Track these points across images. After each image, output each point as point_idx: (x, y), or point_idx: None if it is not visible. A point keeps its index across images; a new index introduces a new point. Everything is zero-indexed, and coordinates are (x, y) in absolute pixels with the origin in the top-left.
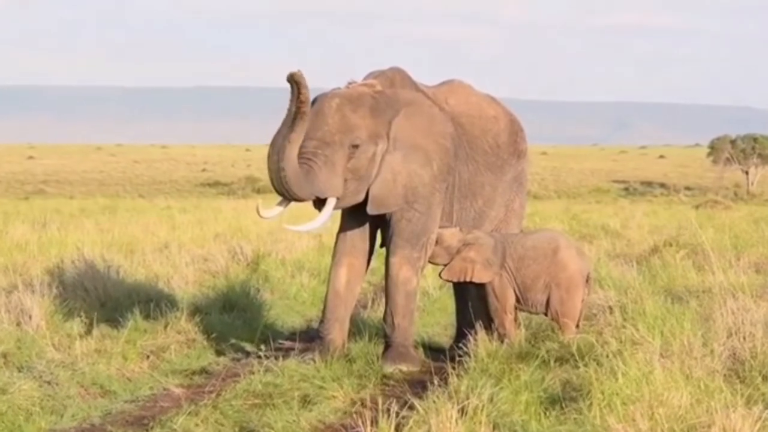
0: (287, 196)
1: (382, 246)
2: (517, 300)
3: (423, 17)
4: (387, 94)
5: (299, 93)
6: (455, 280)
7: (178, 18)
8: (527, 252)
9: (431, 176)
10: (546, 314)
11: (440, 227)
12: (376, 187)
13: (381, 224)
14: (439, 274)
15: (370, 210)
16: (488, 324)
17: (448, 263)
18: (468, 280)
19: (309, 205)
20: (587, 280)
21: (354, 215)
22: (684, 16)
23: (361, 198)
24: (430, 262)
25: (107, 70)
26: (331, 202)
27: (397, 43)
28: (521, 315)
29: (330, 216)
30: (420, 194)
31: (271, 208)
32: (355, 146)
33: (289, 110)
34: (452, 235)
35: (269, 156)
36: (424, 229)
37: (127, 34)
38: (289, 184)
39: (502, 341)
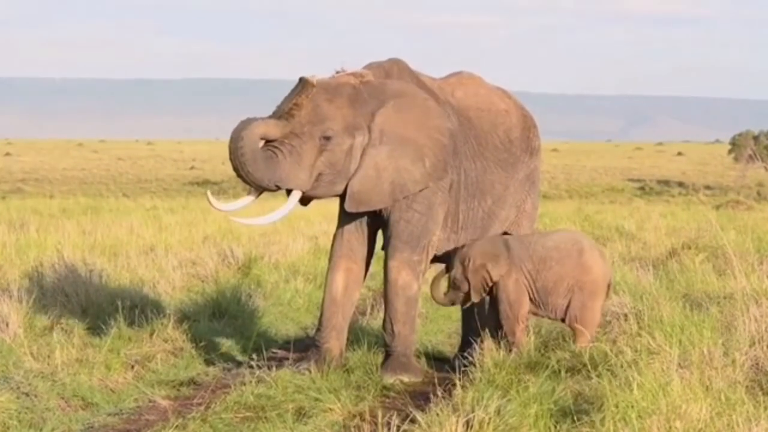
0: (246, 178)
1: (382, 249)
2: (536, 305)
3: (426, 5)
4: (373, 85)
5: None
6: (483, 293)
7: (165, 3)
8: (549, 253)
9: (423, 173)
10: (564, 320)
11: (452, 249)
12: (356, 183)
13: (380, 225)
14: (467, 303)
15: (349, 207)
16: (495, 332)
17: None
18: (491, 282)
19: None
20: (608, 286)
21: (351, 216)
22: (705, 3)
23: (338, 190)
24: (467, 300)
25: (89, 61)
26: (294, 196)
27: (401, 33)
28: (531, 321)
29: (289, 211)
30: (410, 192)
31: (231, 200)
32: (327, 138)
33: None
34: (455, 268)
35: (231, 133)
36: (424, 230)
37: (111, 22)
38: (246, 164)
39: (509, 350)
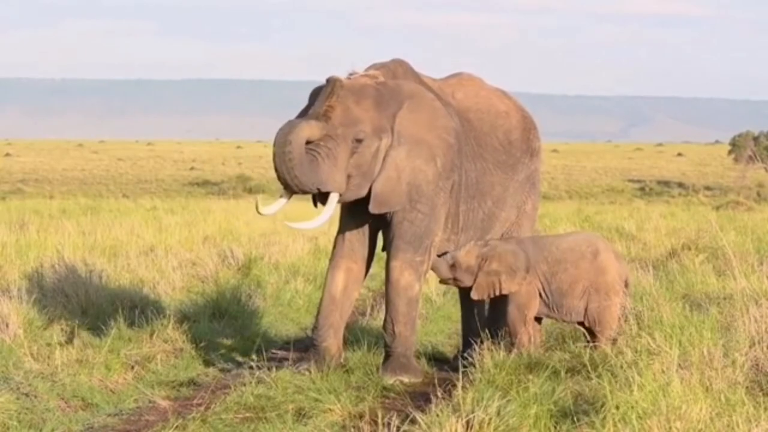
0: (290, 182)
1: (383, 250)
2: (549, 307)
3: (426, 5)
4: (390, 86)
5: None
6: (486, 297)
7: (165, 4)
8: (564, 255)
9: (435, 173)
10: (583, 323)
11: (453, 249)
12: (379, 185)
13: (382, 226)
14: (469, 295)
15: (373, 209)
16: (495, 332)
17: (474, 283)
18: (498, 293)
19: (306, 206)
20: (626, 285)
21: (353, 216)
22: (705, 4)
23: (363, 193)
24: (456, 286)
25: (89, 61)
26: (333, 198)
27: (400, 33)
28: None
29: (332, 212)
30: (423, 193)
31: (270, 204)
32: (359, 140)
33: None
34: (468, 254)
35: (276, 138)
36: (427, 231)
37: (111, 22)
38: (294, 168)
39: (509, 350)
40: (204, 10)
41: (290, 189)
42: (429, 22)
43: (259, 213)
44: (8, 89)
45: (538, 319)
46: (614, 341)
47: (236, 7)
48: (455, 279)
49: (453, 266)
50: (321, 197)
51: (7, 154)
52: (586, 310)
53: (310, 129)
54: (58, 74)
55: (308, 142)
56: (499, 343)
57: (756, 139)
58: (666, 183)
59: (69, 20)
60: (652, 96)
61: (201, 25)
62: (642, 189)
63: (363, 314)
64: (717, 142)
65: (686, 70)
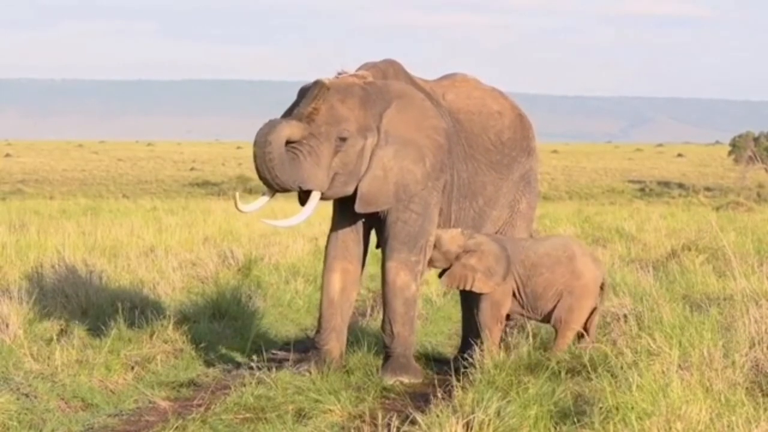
0: (271, 182)
1: (377, 247)
2: (523, 307)
3: (426, 5)
4: (378, 86)
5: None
6: (455, 287)
7: (165, 4)
8: (541, 259)
9: (423, 173)
10: (549, 321)
11: (441, 229)
12: (365, 184)
13: (375, 225)
14: (439, 275)
15: (359, 208)
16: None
17: (448, 268)
18: (468, 288)
19: (291, 203)
20: (601, 289)
21: (346, 215)
22: (706, 4)
23: (349, 190)
24: (428, 265)
25: (89, 62)
26: (315, 196)
27: (400, 33)
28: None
29: (313, 211)
30: (412, 192)
31: (251, 201)
32: (343, 139)
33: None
34: (452, 240)
35: (256, 138)
36: (421, 231)
37: (111, 22)
38: (275, 168)
39: (480, 346)
40: (204, 11)
41: (272, 188)
42: (429, 22)
43: (238, 210)
44: (8, 90)
45: (508, 317)
46: (583, 339)
47: (236, 7)
48: (430, 258)
49: (435, 251)
50: (303, 195)
51: (7, 155)
52: (553, 309)
53: (291, 129)
54: (58, 75)
55: (290, 142)
56: (499, 346)
57: (756, 139)
58: (666, 184)
59: (69, 21)
60: (652, 96)
61: (201, 25)
62: (642, 190)
63: (363, 315)
64: (717, 142)
65: (686, 70)
